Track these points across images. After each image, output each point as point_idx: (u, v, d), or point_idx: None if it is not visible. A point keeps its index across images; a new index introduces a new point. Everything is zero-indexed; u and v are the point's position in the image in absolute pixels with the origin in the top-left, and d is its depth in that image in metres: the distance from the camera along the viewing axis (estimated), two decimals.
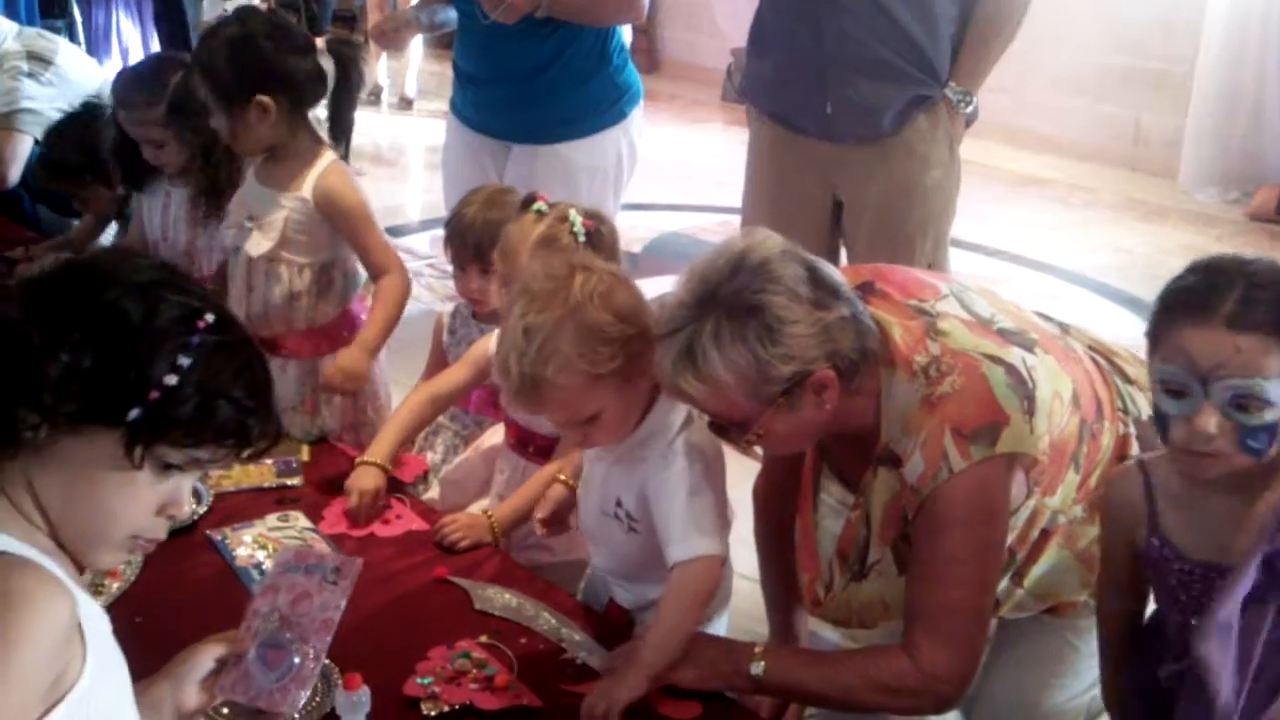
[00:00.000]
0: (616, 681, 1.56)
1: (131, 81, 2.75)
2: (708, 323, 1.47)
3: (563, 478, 2.00)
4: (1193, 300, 1.35)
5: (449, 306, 2.54)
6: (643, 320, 1.62)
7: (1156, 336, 1.38)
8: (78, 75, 3.78)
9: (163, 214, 2.84)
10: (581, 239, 1.95)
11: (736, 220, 3.11)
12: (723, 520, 1.71)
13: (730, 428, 1.58)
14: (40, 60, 3.74)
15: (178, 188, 2.78)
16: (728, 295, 1.48)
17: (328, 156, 2.37)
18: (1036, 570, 1.71)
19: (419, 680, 1.62)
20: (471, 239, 2.26)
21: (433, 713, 1.57)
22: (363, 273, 2.45)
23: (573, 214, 1.98)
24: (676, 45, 8.96)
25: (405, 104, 7.61)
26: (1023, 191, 6.23)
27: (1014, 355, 1.59)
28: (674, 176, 6.22)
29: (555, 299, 1.60)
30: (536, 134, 2.91)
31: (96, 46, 5.48)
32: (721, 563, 1.70)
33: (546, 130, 2.90)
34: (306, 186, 2.34)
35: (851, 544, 1.68)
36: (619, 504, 1.77)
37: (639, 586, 1.85)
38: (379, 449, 2.08)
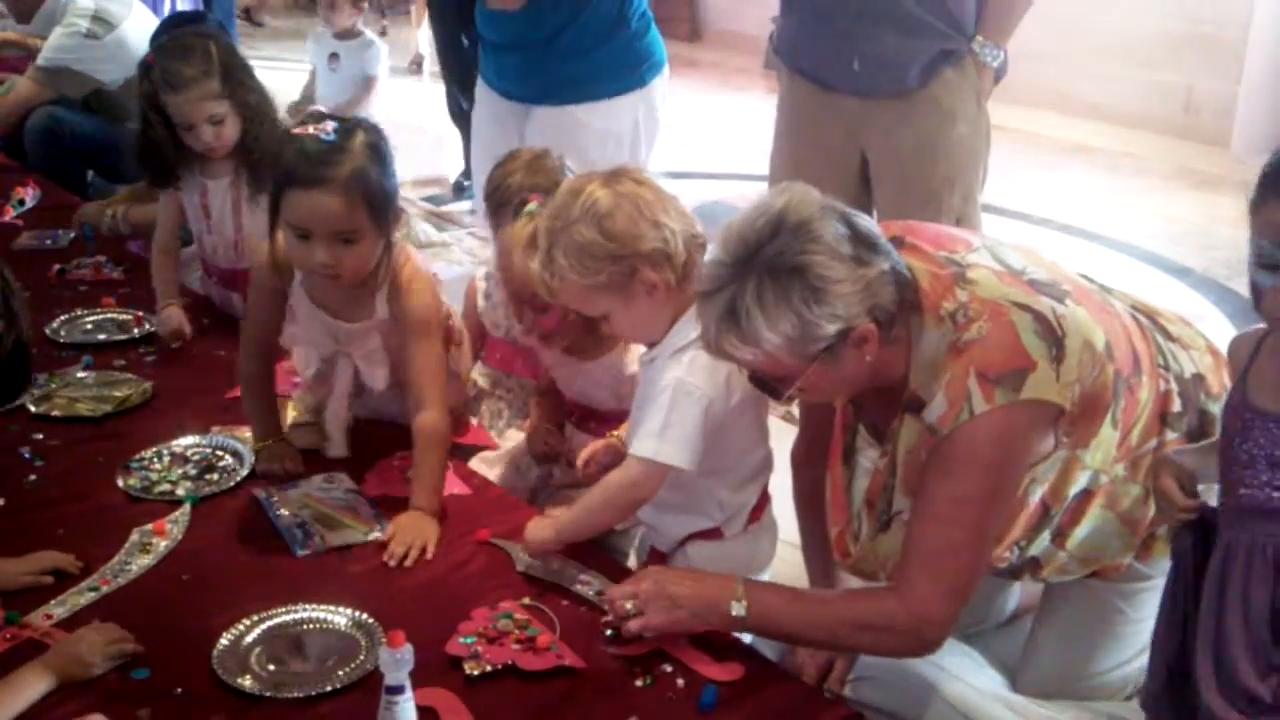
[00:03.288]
0: (537, 528, 1.82)
1: (178, 59, 2.48)
2: (749, 283, 1.48)
3: (617, 434, 2.02)
4: None
5: (481, 270, 2.53)
6: (635, 245, 1.73)
7: (1256, 211, 1.36)
8: (139, 43, 3.78)
9: (203, 209, 2.66)
10: None
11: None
12: (693, 442, 1.76)
13: (771, 383, 1.58)
14: (104, 23, 3.75)
15: (211, 177, 2.61)
16: (770, 256, 1.48)
17: (406, 263, 2.07)
18: (1079, 532, 1.69)
19: (461, 640, 1.62)
20: (509, 207, 2.19)
21: (475, 672, 1.58)
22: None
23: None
24: (718, 13, 8.88)
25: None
26: (1070, 160, 6.13)
27: (1043, 304, 1.58)
28: (716, 144, 6.18)
29: (562, 211, 1.77)
30: (552, 96, 2.91)
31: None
32: (666, 472, 1.77)
33: (560, 92, 2.90)
34: (381, 304, 2.07)
35: (879, 493, 1.68)
36: None
37: (666, 518, 1.89)
38: None
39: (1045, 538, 1.69)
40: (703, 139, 6.19)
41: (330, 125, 1.92)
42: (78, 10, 3.77)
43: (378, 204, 1.93)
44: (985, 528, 1.56)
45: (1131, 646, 1.84)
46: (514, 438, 2.34)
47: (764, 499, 1.96)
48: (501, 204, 2.23)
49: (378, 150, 1.94)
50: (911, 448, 1.62)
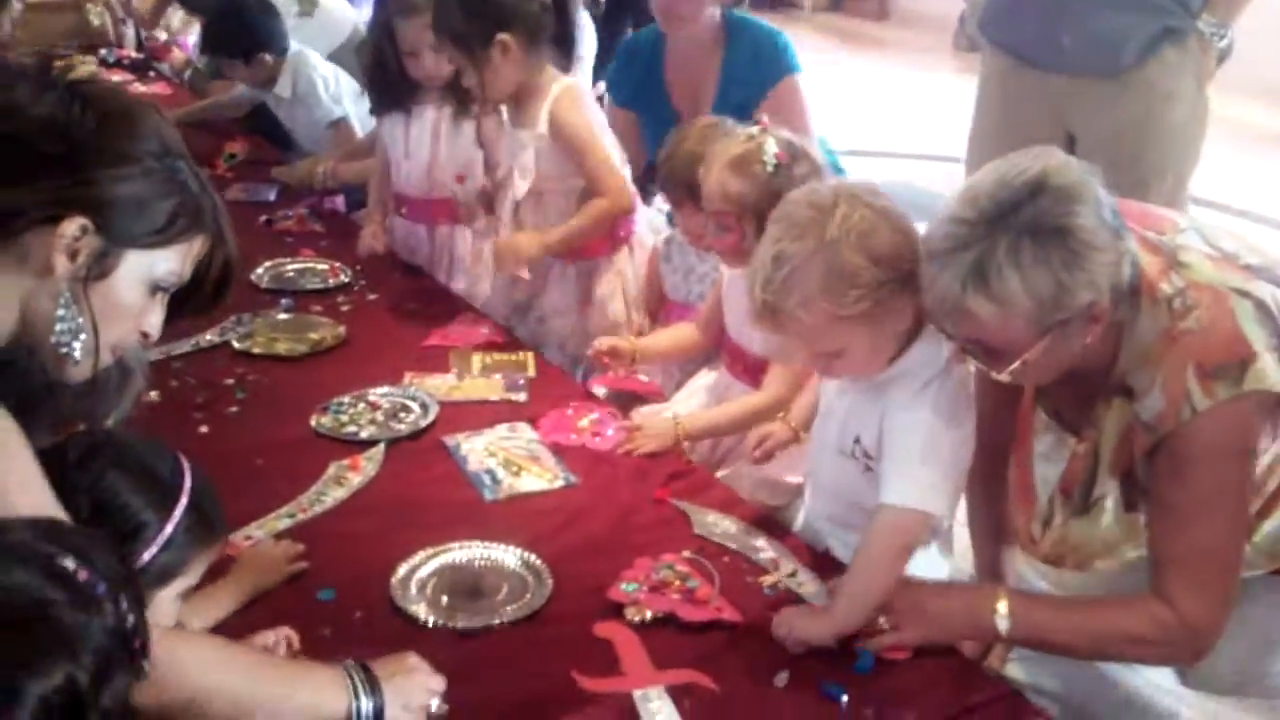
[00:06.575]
0: (808, 619, 1.57)
1: None
2: (1002, 242, 1.40)
3: (794, 424, 1.97)
4: None
5: (661, 236, 2.58)
6: (903, 265, 1.54)
7: None
8: (338, 15, 4.03)
9: (405, 134, 2.89)
10: (769, 169, 1.91)
11: (963, 169, 3.02)
12: (949, 485, 1.63)
13: (991, 355, 1.50)
14: (310, 1, 4.01)
15: (417, 103, 2.84)
16: (1030, 216, 1.40)
17: (560, 83, 2.45)
18: (1268, 525, 1.63)
19: (623, 586, 1.67)
20: (679, 177, 2.22)
21: (635, 618, 1.62)
22: None
23: (769, 142, 1.93)
24: None
25: None
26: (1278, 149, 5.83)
27: (1263, 289, 1.52)
28: (902, 124, 6.09)
29: (811, 230, 1.53)
30: None
31: None
32: (928, 520, 1.63)
33: None
34: (542, 120, 2.43)
35: (1076, 479, 1.64)
36: (857, 441, 1.71)
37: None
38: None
39: None
40: (889, 118, 6.11)
41: None
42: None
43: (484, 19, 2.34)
44: (1235, 523, 1.52)
45: None
46: (683, 399, 2.38)
47: None
48: (675, 170, 2.26)
49: None
50: (1119, 432, 1.57)
